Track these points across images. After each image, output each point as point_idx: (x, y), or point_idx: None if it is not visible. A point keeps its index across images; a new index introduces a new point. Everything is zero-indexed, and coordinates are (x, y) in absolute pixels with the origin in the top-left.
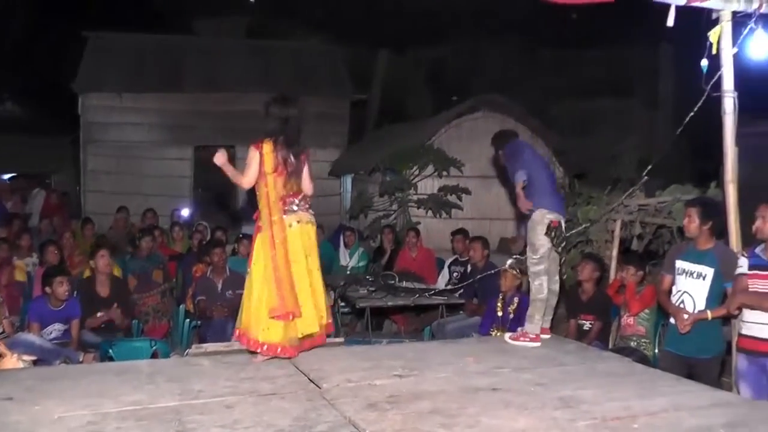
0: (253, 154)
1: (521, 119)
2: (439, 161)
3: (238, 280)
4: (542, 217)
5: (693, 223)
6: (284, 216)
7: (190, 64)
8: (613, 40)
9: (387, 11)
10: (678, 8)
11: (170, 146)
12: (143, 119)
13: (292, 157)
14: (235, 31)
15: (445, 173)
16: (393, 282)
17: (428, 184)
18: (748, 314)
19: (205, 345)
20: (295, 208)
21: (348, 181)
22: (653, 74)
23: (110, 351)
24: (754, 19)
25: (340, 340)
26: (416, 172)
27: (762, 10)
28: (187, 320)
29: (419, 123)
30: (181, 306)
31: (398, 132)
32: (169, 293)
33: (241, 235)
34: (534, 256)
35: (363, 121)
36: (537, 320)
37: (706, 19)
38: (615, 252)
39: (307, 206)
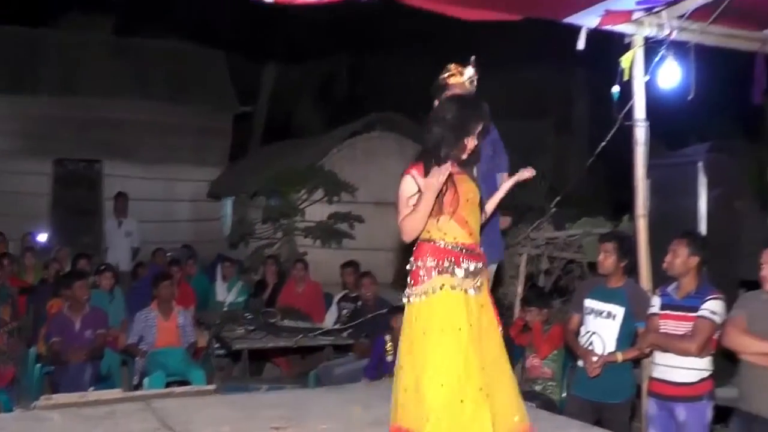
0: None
1: (421, 140)
2: (329, 185)
3: (99, 318)
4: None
5: (609, 259)
6: None
7: (48, 62)
8: (523, 60)
9: (276, 17)
10: (589, 31)
11: (24, 158)
12: None
13: None
14: (102, 27)
15: (336, 198)
16: (274, 320)
17: (317, 211)
18: (658, 356)
19: (56, 396)
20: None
21: (228, 204)
22: (566, 97)
23: None
24: (665, 46)
25: (213, 387)
26: (304, 197)
27: (673, 37)
28: (38, 365)
29: (309, 141)
30: (31, 348)
31: (286, 151)
32: (17, 333)
33: (103, 266)
34: None
35: (247, 136)
36: None
37: (618, 43)
38: (520, 288)
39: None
